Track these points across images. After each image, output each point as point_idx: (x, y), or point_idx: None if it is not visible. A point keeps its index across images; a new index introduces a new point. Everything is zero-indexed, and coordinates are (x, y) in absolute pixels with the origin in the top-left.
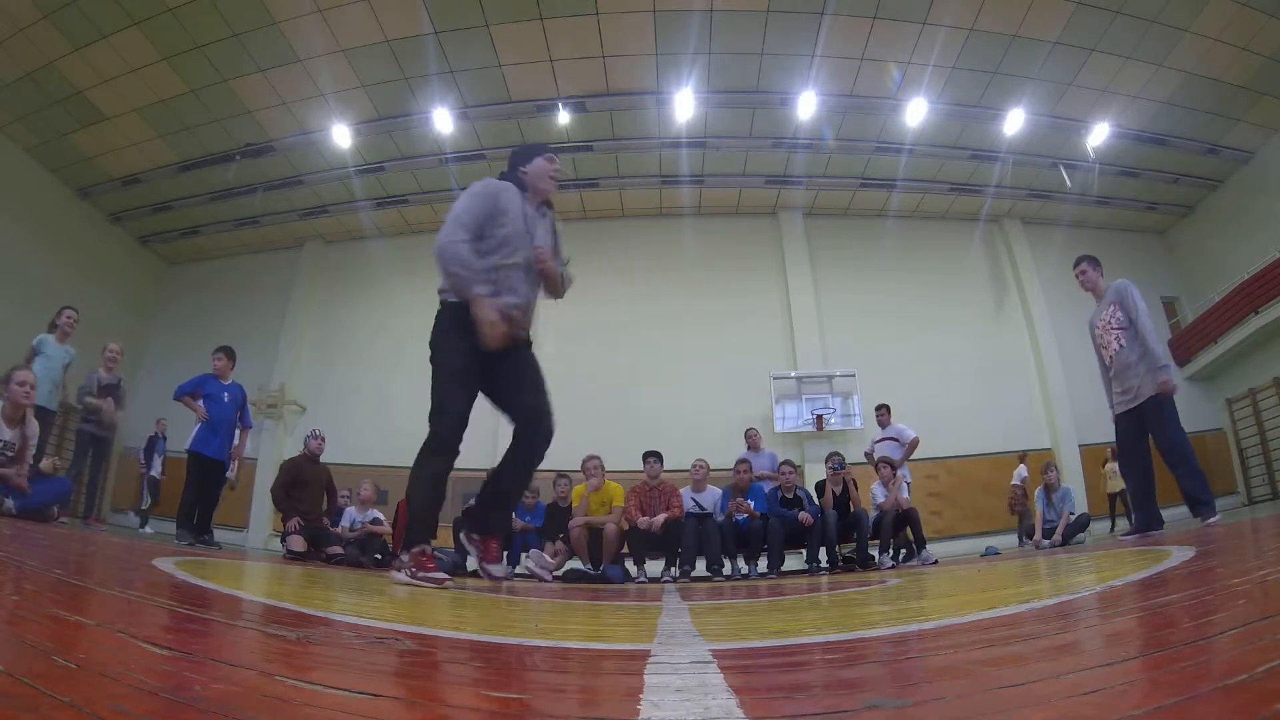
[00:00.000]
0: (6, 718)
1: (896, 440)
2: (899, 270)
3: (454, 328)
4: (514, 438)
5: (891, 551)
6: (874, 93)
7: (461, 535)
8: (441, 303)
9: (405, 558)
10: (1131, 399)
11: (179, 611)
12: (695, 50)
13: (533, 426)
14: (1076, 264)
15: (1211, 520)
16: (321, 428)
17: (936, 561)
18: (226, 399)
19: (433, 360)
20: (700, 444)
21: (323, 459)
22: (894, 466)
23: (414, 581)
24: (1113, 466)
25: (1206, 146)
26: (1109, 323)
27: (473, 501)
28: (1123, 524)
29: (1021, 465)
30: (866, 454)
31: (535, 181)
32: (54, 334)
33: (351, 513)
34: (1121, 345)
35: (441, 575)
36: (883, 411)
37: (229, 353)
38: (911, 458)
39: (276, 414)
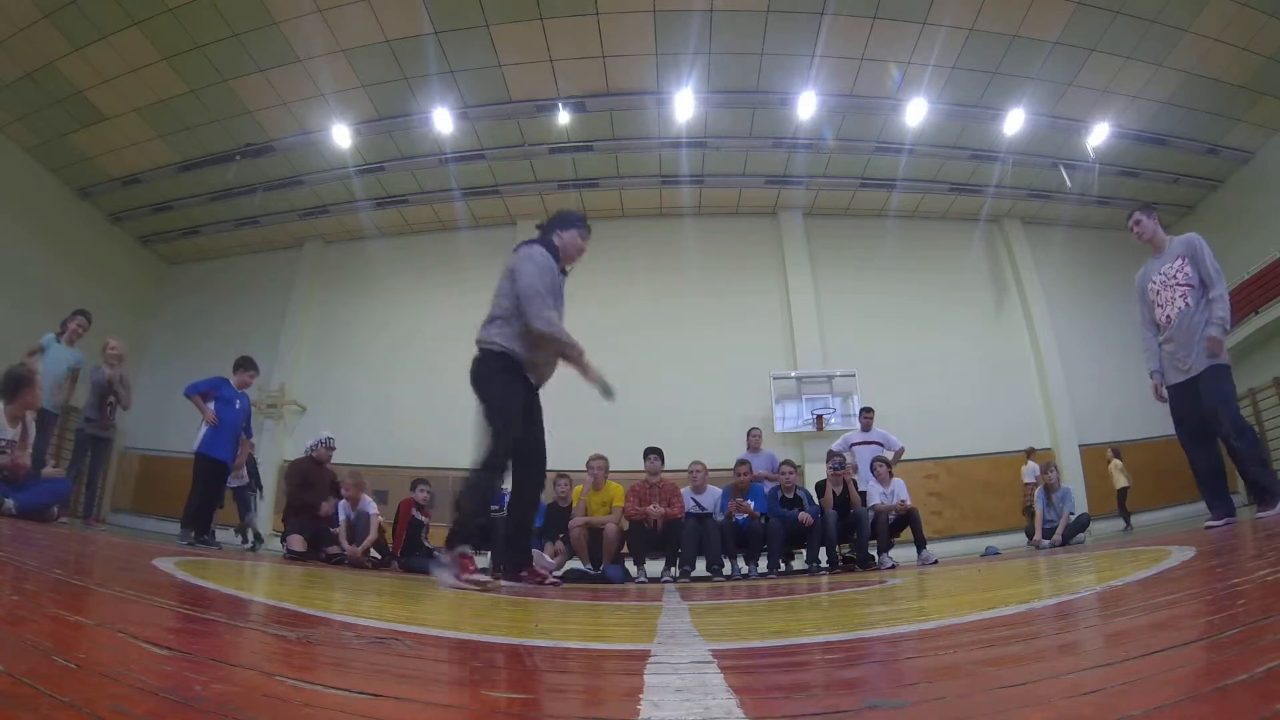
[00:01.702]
0: (6, 718)
1: (881, 445)
2: (899, 270)
3: (508, 372)
4: (517, 472)
5: (889, 555)
6: (874, 93)
7: (513, 578)
8: (486, 351)
9: (447, 557)
10: (1187, 371)
11: (179, 611)
12: (695, 50)
13: (536, 468)
14: (1130, 215)
15: (1268, 514)
16: (329, 432)
17: (936, 561)
18: (238, 405)
19: (490, 397)
20: (700, 444)
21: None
22: (890, 466)
23: (459, 584)
24: (1117, 464)
25: (1206, 146)
26: (1174, 277)
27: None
28: (1135, 521)
29: (1031, 463)
30: (833, 452)
31: (565, 249)
32: (62, 336)
33: (344, 507)
34: (1188, 304)
35: (484, 578)
36: (867, 415)
37: (256, 369)
38: (901, 459)
39: (276, 414)
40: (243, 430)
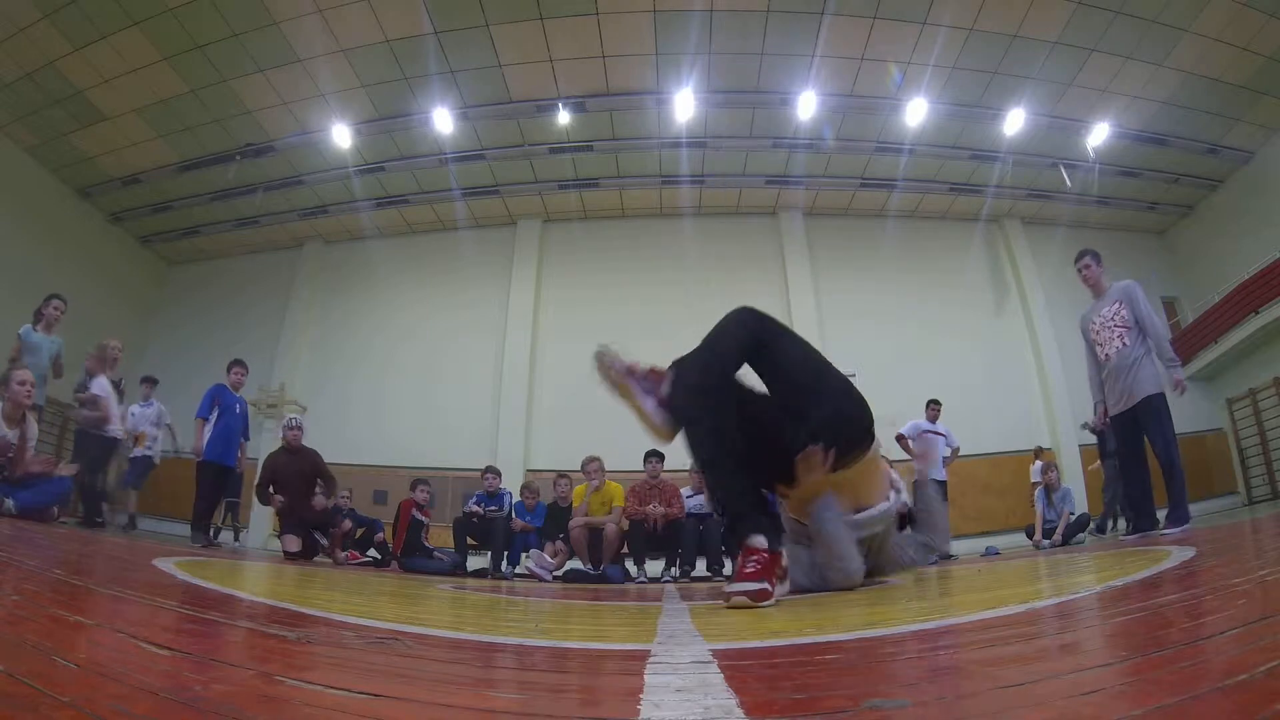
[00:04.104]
0: (6, 718)
1: (945, 437)
2: (899, 270)
3: None
4: None
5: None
6: (874, 93)
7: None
8: None
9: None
10: (1125, 401)
11: (179, 611)
12: (695, 50)
13: None
14: (1080, 258)
15: (1170, 531)
16: (299, 416)
17: (937, 561)
18: (238, 410)
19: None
20: None
21: (324, 457)
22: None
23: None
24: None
25: (1206, 146)
26: (1111, 320)
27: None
28: (1120, 524)
29: (1039, 461)
30: (901, 437)
31: None
32: (39, 324)
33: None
34: (1125, 344)
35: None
36: (935, 406)
37: (245, 367)
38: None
39: (277, 414)
40: (240, 435)
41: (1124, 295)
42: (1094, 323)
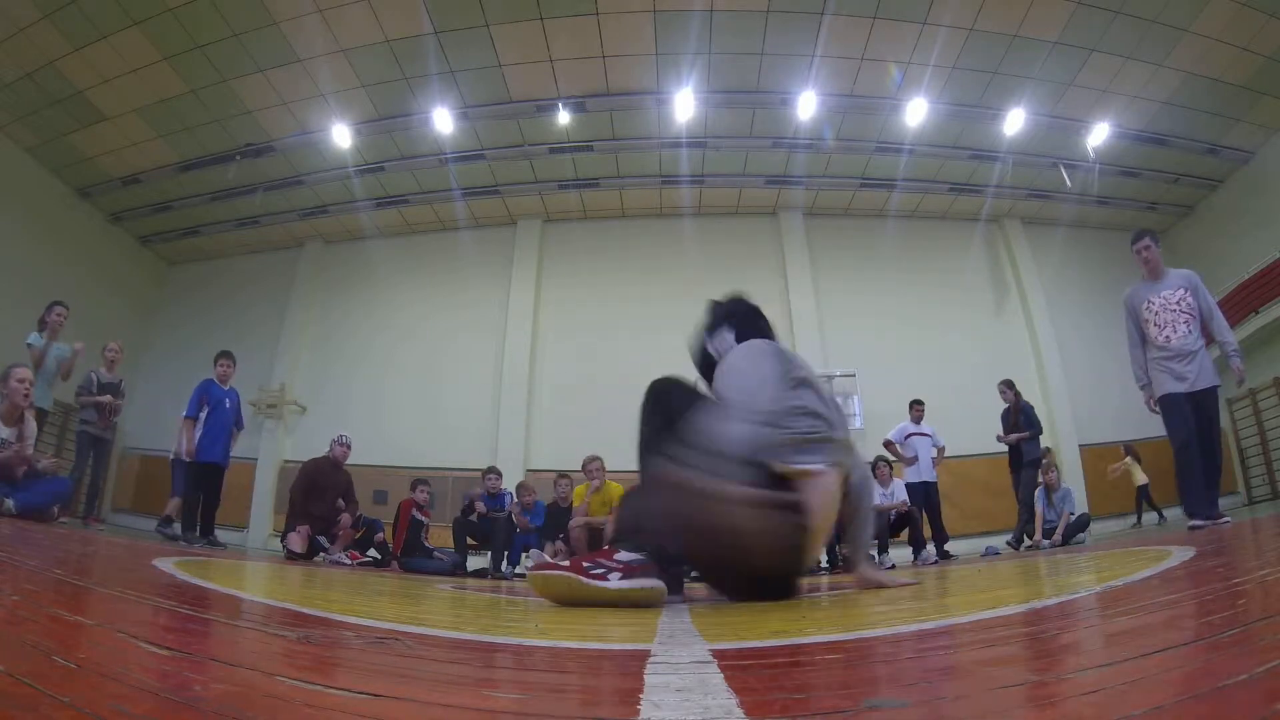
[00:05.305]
0: (6, 718)
1: (930, 438)
2: (899, 270)
3: None
4: None
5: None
6: (874, 93)
7: None
8: None
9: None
10: (1191, 384)
11: (179, 611)
12: (695, 50)
13: None
14: (1139, 238)
15: (1224, 520)
16: (349, 435)
17: (937, 561)
18: (228, 405)
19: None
20: None
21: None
22: (891, 466)
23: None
24: (1129, 461)
25: (1206, 146)
26: (1177, 305)
27: None
28: (1149, 518)
29: (1044, 460)
30: (889, 443)
31: None
32: (44, 332)
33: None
34: (1190, 330)
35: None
36: (919, 407)
37: (232, 358)
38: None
39: (276, 414)
40: (234, 425)
41: (1190, 283)
42: (1152, 302)
